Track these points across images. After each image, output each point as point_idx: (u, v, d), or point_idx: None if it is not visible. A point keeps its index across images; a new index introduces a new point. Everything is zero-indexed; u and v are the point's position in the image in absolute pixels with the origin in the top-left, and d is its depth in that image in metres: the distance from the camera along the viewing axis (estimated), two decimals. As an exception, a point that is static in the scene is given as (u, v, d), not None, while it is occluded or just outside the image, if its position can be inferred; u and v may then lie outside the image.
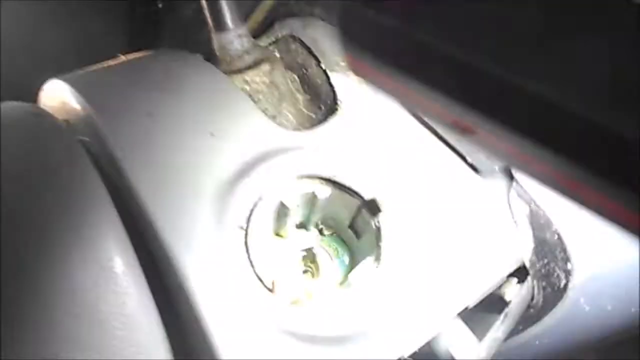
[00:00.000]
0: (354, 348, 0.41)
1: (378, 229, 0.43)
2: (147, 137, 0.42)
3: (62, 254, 0.34)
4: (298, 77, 0.63)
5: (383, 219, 0.44)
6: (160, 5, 1.00)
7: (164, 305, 0.37)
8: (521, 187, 0.54)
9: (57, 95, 0.46)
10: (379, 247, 0.43)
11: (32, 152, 0.37)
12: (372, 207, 0.44)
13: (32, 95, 0.49)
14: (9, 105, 0.42)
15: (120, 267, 0.35)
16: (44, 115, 0.41)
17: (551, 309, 0.62)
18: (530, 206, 0.55)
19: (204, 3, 0.58)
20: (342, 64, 0.58)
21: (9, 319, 0.30)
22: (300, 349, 0.38)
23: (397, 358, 0.44)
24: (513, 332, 0.65)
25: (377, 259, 0.43)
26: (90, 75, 0.47)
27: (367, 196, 0.44)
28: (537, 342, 0.66)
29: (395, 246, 0.43)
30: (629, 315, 0.60)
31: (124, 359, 0.34)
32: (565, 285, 0.58)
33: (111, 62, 0.50)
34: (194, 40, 0.68)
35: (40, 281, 0.32)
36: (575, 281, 0.57)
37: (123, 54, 0.54)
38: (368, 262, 0.43)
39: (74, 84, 0.45)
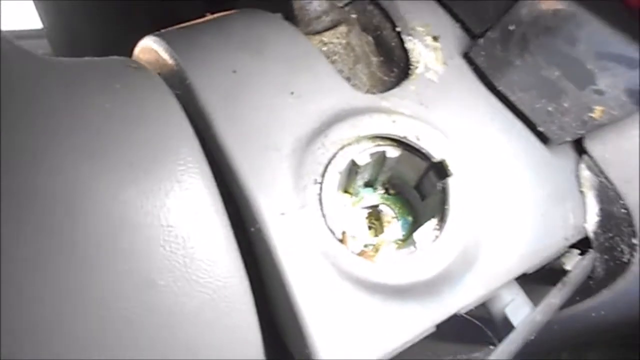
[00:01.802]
0: (413, 300, 0.43)
1: (444, 191, 0.45)
2: (232, 93, 0.46)
3: (160, 193, 0.38)
4: (372, 38, 0.65)
5: (450, 181, 0.45)
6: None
7: (244, 245, 0.41)
8: (592, 159, 0.54)
9: (152, 51, 0.50)
10: (444, 209, 0.45)
11: (131, 99, 0.41)
12: (440, 170, 0.46)
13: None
14: (112, 59, 0.46)
15: (207, 210, 0.39)
16: (139, 68, 0.45)
17: (611, 282, 0.62)
18: (599, 179, 0.55)
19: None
20: (419, 28, 0.59)
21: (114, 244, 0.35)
22: (362, 296, 0.41)
23: (453, 313, 0.46)
24: (569, 302, 0.65)
25: (442, 220, 0.45)
26: (181, 33, 0.51)
27: (436, 158, 0.46)
28: (592, 314, 0.67)
29: (460, 209, 0.45)
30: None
31: (207, 287, 0.38)
32: (629, 260, 0.58)
33: (199, 21, 0.54)
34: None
35: (140, 216, 0.37)
36: (638, 256, 0.57)
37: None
38: (432, 222, 0.46)
39: (167, 40, 0.48)
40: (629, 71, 0.41)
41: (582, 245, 0.59)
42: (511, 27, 0.48)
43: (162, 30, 0.51)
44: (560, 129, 0.50)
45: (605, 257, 0.60)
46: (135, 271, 0.36)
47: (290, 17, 0.62)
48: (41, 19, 0.88)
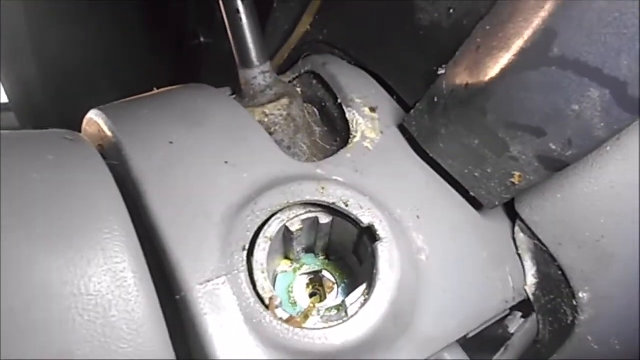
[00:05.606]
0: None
1: (374, 255, 0.46)
2: (167, 162, 0.47)
3: (82, 261, 0.38)
4: (317, 110, 0.68)
5: (379, 246, 0.46)
6: (202, 40, 1.08)
7: (170, 313, 0.41)
8: (525, 223, 0.56)
9: (96, 123, 0.52)
10: (373, 274, 0.45)
11: (62, 169, 0.43)
12: (370, 235, 0.47)
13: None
14: (51, 132, 0.48)
15: (132, 278, 0.40)
16: (75, 140, 0.46)
17: (560, 346, 0.62)
18: (534, 242, 0.57)
19: (232, 41, 0.63)
20: (358, 100, 0.62)
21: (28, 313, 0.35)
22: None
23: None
24: (523, 369, 0.65)
25: (370, 284, 0.45)
26: (123, 107, 0.53)
27: (365, 224, 0.47)
28: (549, 380, 0.66)
29: (388, 273, 0.45)
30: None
31: (128, 359, 0.38)
32: (573, 321, 0.58)
33: (144, 95, 0.56)
34: (234, 72, 0.74)
35: (59, 284, 0.37)
36: (582, 318, 0.57)
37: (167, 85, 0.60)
38: (362, 288, 0.46)
39: (108, 113, 0.50)
40: (537, 139, 0.43)
41: (525, 308, 0.59)
42: (435, 99, 0.51)
43: (107, 105, 0.54)
44: (488, 193, 0.52)
45: (550, 319, 0.60)
46: (52, 342, 0.36)
47: (237, 90, 0.65)
48: (7, 93, 0.92)
